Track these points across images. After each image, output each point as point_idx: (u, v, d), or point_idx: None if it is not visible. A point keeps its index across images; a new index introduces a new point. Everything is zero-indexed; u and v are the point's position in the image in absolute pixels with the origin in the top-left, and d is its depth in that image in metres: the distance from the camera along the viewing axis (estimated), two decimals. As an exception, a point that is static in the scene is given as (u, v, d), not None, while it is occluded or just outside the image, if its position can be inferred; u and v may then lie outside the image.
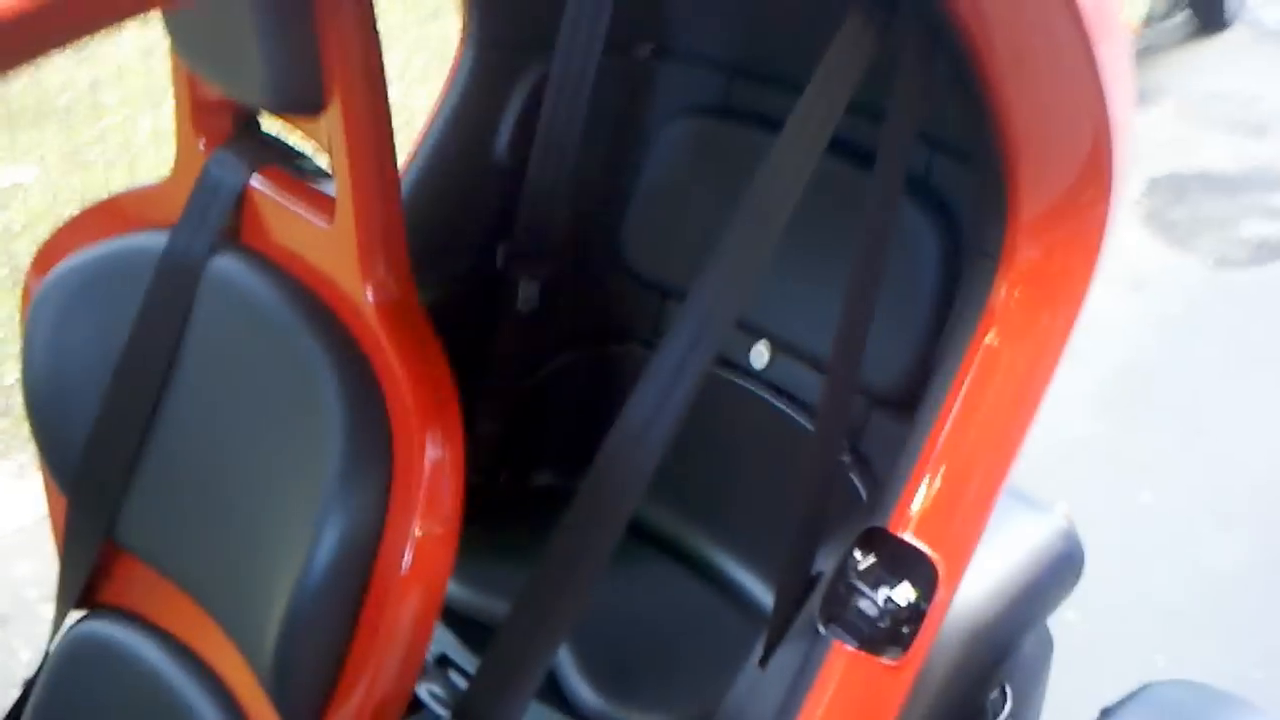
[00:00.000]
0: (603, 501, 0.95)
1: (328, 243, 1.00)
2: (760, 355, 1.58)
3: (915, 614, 1.02)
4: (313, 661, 0.92)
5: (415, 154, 1.57)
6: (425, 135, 1.57)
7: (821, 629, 1.03)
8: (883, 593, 1.02)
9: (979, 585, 1.21)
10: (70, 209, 1.24)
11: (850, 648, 1.02)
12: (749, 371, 1.59)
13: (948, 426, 1.06)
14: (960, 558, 1.06)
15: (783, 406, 1.55)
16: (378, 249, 0.97)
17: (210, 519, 1.03)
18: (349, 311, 0.98)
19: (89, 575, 1.15)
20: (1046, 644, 1.50)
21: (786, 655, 1.10)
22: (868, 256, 1.03)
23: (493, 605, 1.49)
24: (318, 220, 1.01)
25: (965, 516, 1.06)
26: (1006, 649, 1.27)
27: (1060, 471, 2.99)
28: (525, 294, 1.62)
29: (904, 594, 1.02)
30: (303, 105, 0.95)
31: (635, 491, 0.96)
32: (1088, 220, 1.04)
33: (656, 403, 0.94)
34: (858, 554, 1.04)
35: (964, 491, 1.06)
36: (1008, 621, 1.24)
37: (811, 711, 1.03)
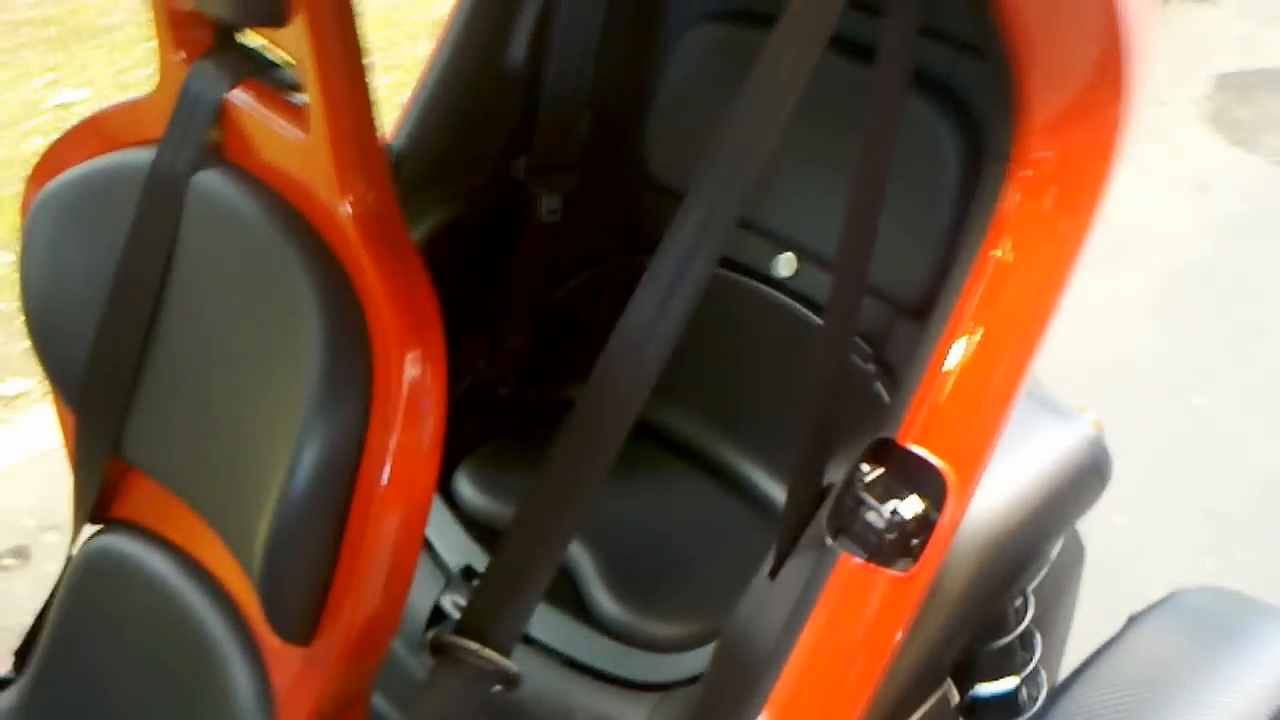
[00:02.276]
0: (601, 411, 0.94)
1: (305, 155, 0.99)
2: (788, 264, 1.55)
3: (924, 525, 1.01)
4: (299, 574, 0.93)
5: (430, 67, 1.55)
6: (439, 48, 1.55)
7: (829, 540, 1.03)
8: (890, 504, 1.01)
9: (998, 493, 1.19)
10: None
11: (858, 560, 1.01)
12: (775, 281, 1.57)
13: (957, 335, 1.03)
14: (972, 468, 1.04)
15: (809, 316, 1.53)
16: (352, 160, 0.96)
17: (205, 432, 1.04)
18: (329, 225, 0.98)
19: (99, 491, 1.17)
20: (1077, 552, 1.48)
21: (796, 567, 1.09)
22: (870, 149, 0.99)
23: (508, 516, 1.51)
24: (294, 132, 1.00)
25: (977, 426, 1.04)
26: (1028, 557, 1.26)
27: (1114, 375, 2.95)
28: (548, 205, 1.61)
29: (911, 506, 1.01)
30: (264, 15, 0.94)
31: (635, 401, 0.94)
32: (1102, 122, 1.00)
33: (655, 309, 0.91)
34: (865, 466, 1.03)
35: (975, 401, 1.04)
36: (1028, 530, 1.23)
37: (817, 623, 1.03)
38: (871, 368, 1.43)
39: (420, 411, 0.91)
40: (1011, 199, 1.02)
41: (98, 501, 1.19)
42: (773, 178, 1.49)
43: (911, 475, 1.02)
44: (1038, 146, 1.00)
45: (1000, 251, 1.03)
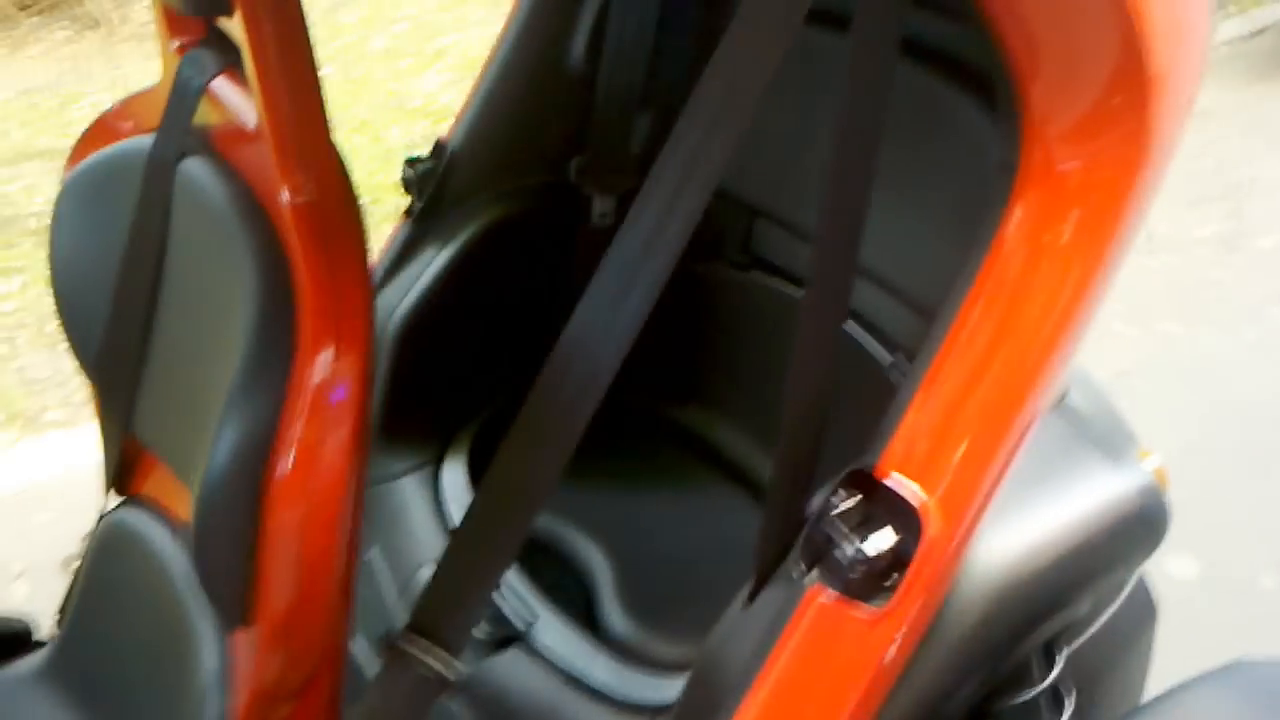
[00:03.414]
0: (552, 411, 0.90)
1: (259, 143, 0.99)
2: None
3: (899, 562, 0.92)
4: (222, 554, 0.95)
5: (488, 65, 1.54)
6: (498, 47, 1.54)
7: (796, 575, 0.95)
8: (864, 541, 0.93)
9: (1020, 534, 1.09)
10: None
11: (827, 595, 0.93)
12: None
13: (949, 359, 0.94)
14: (959, 503, 0.95)
15: (865, 337, 1.44)
16: (291, 149, 0.96)
17: (187, 412, 1.06)
18: (279, 214, 0.98)
19: (118, 464, 1.20)
20: (1144, 612, 1.34)
21: (770, 597, 1.02)
22: (850, 116, 0.90)
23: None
24: (252, 120, 1.01)
25: (966, 458, 0.95)
26: (1051, 606, 1.14)
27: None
28: (600, 209, 1.57)
29: (881, 541, 0.92)
30: (207, 5, 0.94)
31: (587, 401, 0.89)
32: (1124, 133, 0.89)
33: (611, 301, 0.86)
34: (839, 495, 0.95)
35: (963, 430, 0.94)
36: (1053, 576, 1.11)
37: (781, 658, 0.96)
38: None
39: (328, 406, 0.91)
40: (1015, 214, 0.92)
41: (118, 475, 1.23)
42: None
43: (887, 508, 0.94)
44: (1044, 159, 0.90)
45: (1001, 272, 0.93)
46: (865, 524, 0.94)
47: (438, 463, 1.59)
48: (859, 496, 0.95)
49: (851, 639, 0.95)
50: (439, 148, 1.55)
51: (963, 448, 0.94)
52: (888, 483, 0.93)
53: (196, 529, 0.94)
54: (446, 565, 0.95)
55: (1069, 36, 0.85)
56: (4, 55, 5.80)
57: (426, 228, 1.55)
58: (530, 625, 1.35)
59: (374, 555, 1.49)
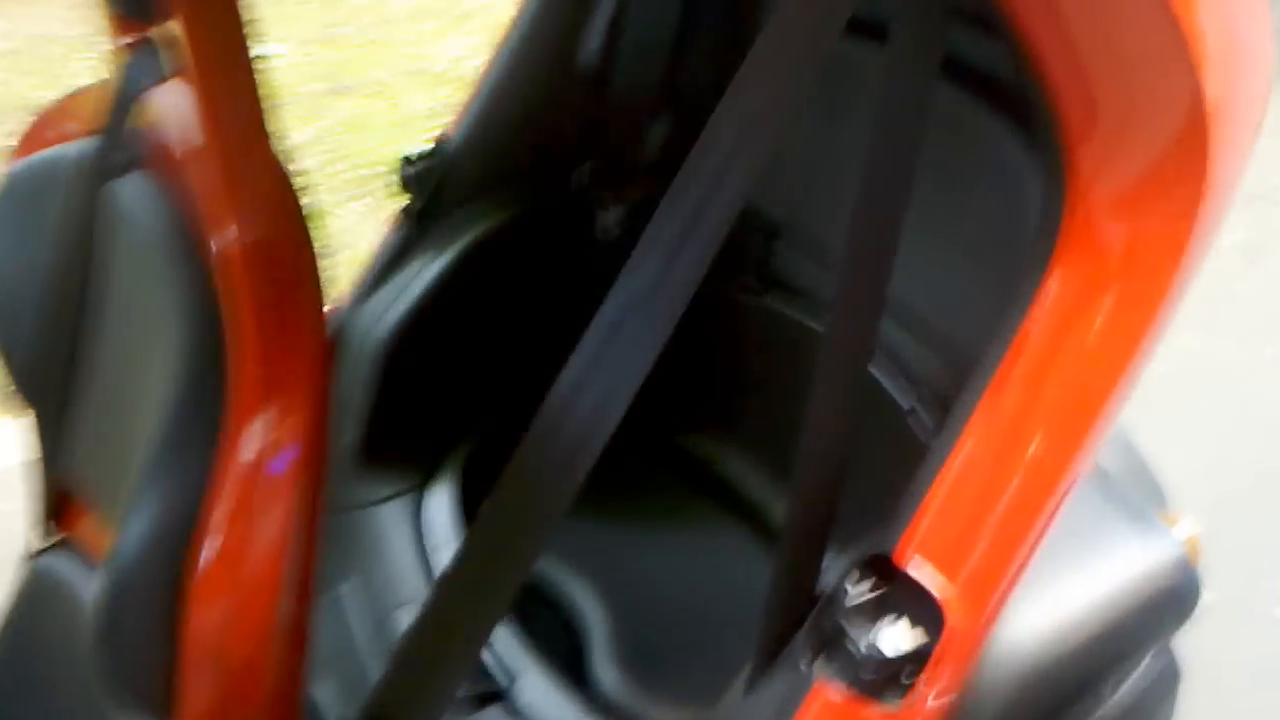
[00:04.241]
0: (537, 477, 0.80)
1: (202, 166, 0.88)
2: None
3: (918, 659, 0.84)
4: (134, 659, 0.82)
5: (494, 61, 1.43)
6: (505, 41, 1.43)
7: (803, 665, 0.87)
8: (876, 633, 0.84)
9: (1047, 614, 1.00)
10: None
11: (836, 691, 0.85)
12: None
13: (976, 435, 0.85)
14: (984, 592, 0.86)
15: (875, 372, 1.35)
16: (237, 178, 0.84)
17: (116, 462, 0.95)
18: (219, 252, 0.87)
19: (47, 500, 1.10)
20: (1167, 681, 1.26)
21: (773, 684, 0.93)
22: (883, 138, 0.81)
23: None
24: (197, 138, 0.89)
25: (994, 544, 0.86)
26: (1077, 693, 1.05)
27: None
28: (608, 220, 1.47)
29: (898, 638, 0.84)
30: (135, 7, 0.83)
31: (577, 465, 0.79)
32: (1169, 208, 0.80)
33: (621, 331, 0.77)
34: (852, 581, 0.86)
35: (991, 514, 0.86)
36: (1080, 662, 1.03)
37: None
38: (931, 424, 1.24)
39: (262, 481, 0.79)
40: (1052, 284, 0.83)
41: (49, 510, 1.12)
42: (850, 206, 1.31)
43: (904, 599, 0.85)
44: (1086, 226, 0.81)
45: (1037, 345, 0.84)
46: (880, 612, 0.86)
47: (421, 489, 1.49)
48: (875, 584, 0.86)
49: None
50: (439, 146, 1.45)
51: (990, 533, 0.86)
52: (909, 571, 0.84)
53: (102, 620, 0.82)
54: (408, 651, 0.85)
55: (1131, 103, 0.75)
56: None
57: (422, 231, 1.45)
58: (513, 681, 1.26)
59: (346, 590, 1.39)
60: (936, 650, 0.83)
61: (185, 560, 0.78)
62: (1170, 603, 1.08)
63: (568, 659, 1.29)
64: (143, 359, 0.89)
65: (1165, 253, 0.81)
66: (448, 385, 1.50)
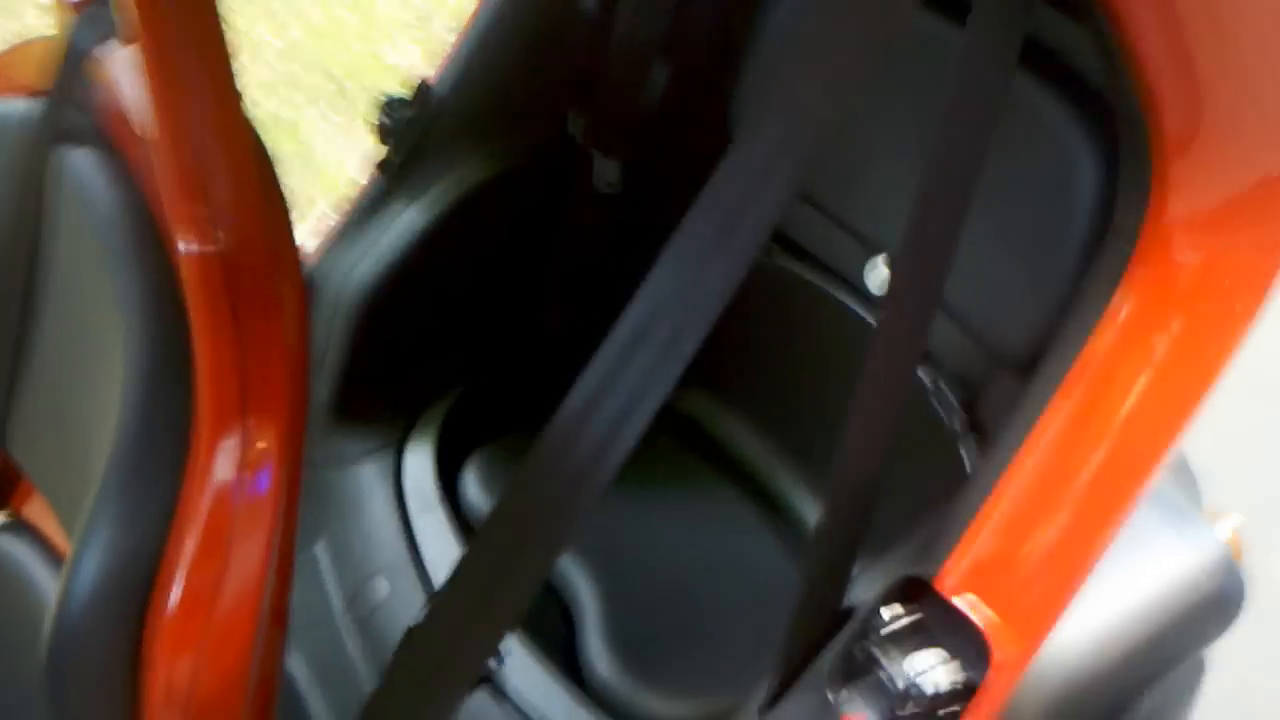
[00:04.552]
0: (546, 491, 0.73)
1: (158, 151, 0.75)
2: (879, 274, 1.28)
3: (958, 695, 0.77)
4: (85, 709, 0.73)
5: (484, 2, 1.31)
6: None
7: (830, 694, 0.80)
8: (914, 664, 0.77)
9: (1085, 626, 0.94)
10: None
11: None
12: (862, 294, 1.30)
13: (1035, 459, 0.77)
14: (1036, 631, 0.79)
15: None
16: (193, 177, 0.71)
17: (65, 450, 0.85)
18: (181, 257, 0.74)
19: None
20: (1191, 675, 1.20)
21: (792, 709, 0.86)
22: (955, 124, 0.73)
23: None
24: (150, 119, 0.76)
25: (1047, 577, 0.79)
26: (1117, 708, 0.99)
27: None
28: (605, 173, 1.37)
29: (940, 676, 0.77)
30: None
31: (595, 480, 0.72)
32: (1256, 235, 0.72)
33: (659, 311, 0.70)
34: (888, 609, 0.79)
35: (1046, 546, 0.78)
36: (1121, 676, 0.96)
37: None
38: (958, 424, 1.16)
39: (234, 510, 0.69)
40: (1128, 298, 0.74)
41: None
42: (871, 165, 1.21)
43: (946, 629, 0.78)
44: (1170, 242, 0.72)
45: (1105, 365, 0.76)
46: (917, 642, 0.78)
47: (397, 447, 1.39)
48: (912, 611, 0.79)
49: None
50: (423, 91, 1.33)
51: (1046, 567, 0.78)
52: (954, 602, 0.77)
53: (52, 669, 0.72)
54: (400, 671, 0.78)
55: (1243, 117, 0.66)
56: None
57: (403, 177, 1.33)
58: (500, 663, 1.19)
59: (320, 551, 1.31)
60: (981, 689, 0.76)
61: (147, 602, 0.69)
62: (1213, 609, 1.01)
63: (557, 640, 1.23)
64: (95, 347, 0.78)
65: (1250, 280, 0.73)
66: (425, 340, 1.40)
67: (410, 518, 1.31)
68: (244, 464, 0.69)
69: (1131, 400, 0.75)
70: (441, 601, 0.77)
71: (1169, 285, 0.74)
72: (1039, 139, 1.01)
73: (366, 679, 1.20)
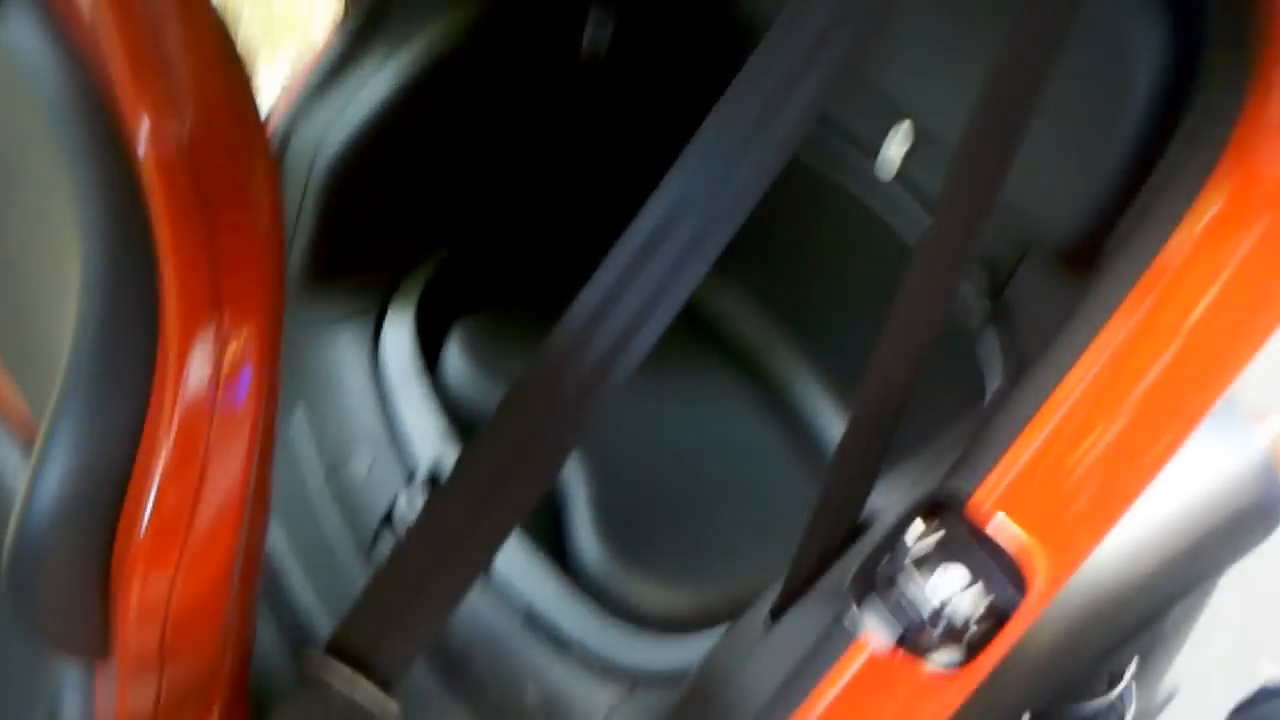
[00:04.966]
0: (544, 407, 0.69)
1: (102, 18, 0.64)
2: (899, 141, 1.17)
3: (993, 618, 0.71)
4: (53, 613, 0.66)
5: None
6: None
7: (845, 613, 0.73)
8: (939, 590, 0.71)
9: (1116, 538, 0.87)
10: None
11: (883, 645, 0.72)
12: (880, 158, 1.20)
13: (1093, 371, 0.69)
14: (1074, 558, 0.73)
15: (917, 213, 1.16)
16: (148, 57, 0.60)
17: (17, 316, 0.76)
18: (137, 149, 0.63)
19: None
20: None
21: (803, 618, 0.80)
22: (1026, 28, 0.67)
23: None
24: None
25: (1094, 505, 0.72)
26: (1146, 621, 0.94)
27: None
28: (592, 33, 1.25)
29: (968, 603, 0.70)
30: None
31: (607, 383, 0.68)
32: None
33: (687, 198, 0.66)
34: (916, 526, 0.72)
35: (1103, 472, 0.71)
36: (1151, 589, 0.90)
37: (817, 705, 0.76)
38: (982, 306, 1.07)
39: (212, 416, 0.60)
40: (1215, 200, 0.65)
41: None
42: (898, 19, 1.10)
43: (977, 552, 0.71)
44: (1267, 154, 0.63)
45: (1187, 264, 0.67)
46: (944, 565, 0.72)
47: (379, 313, 1.31)
48: (940, 533, 0.72)
49: (912, 698, 0.75)
50: None
51: (1096, 494, 0.71)
52: (988, 528, 0.70)
53: (14, 580, 0.64)
54: (387, 579, 0.73)
55: None
56: None
57: (375, 27, 1.21)
58: None
59: (297, 420, 1.23)
60: (1016, 614, 0.70)
61: (116, 518, 0.61)
62: (1253, 518, 0.95)
63: (545, 528, 1.16)
64: (47, 226, 0.69)
65: None
66: (403, 205, 1.30)
67: (390, 391, 1.23)
68: (219, 365, 0.61)
69: (1208, 307, 0.67)
70: (442, 501, 0.73)
71: (1262, 190, 0.65)
72: (1095, 15, 0.90)
73: (346, 554, 1.14)
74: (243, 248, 0.61)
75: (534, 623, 1.05)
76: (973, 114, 0.68)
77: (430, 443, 1.17)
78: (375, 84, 1.19)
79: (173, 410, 0.59)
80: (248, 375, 0.61)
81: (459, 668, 1.05)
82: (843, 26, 0.61)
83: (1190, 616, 1.06)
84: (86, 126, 0.62)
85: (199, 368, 0.59)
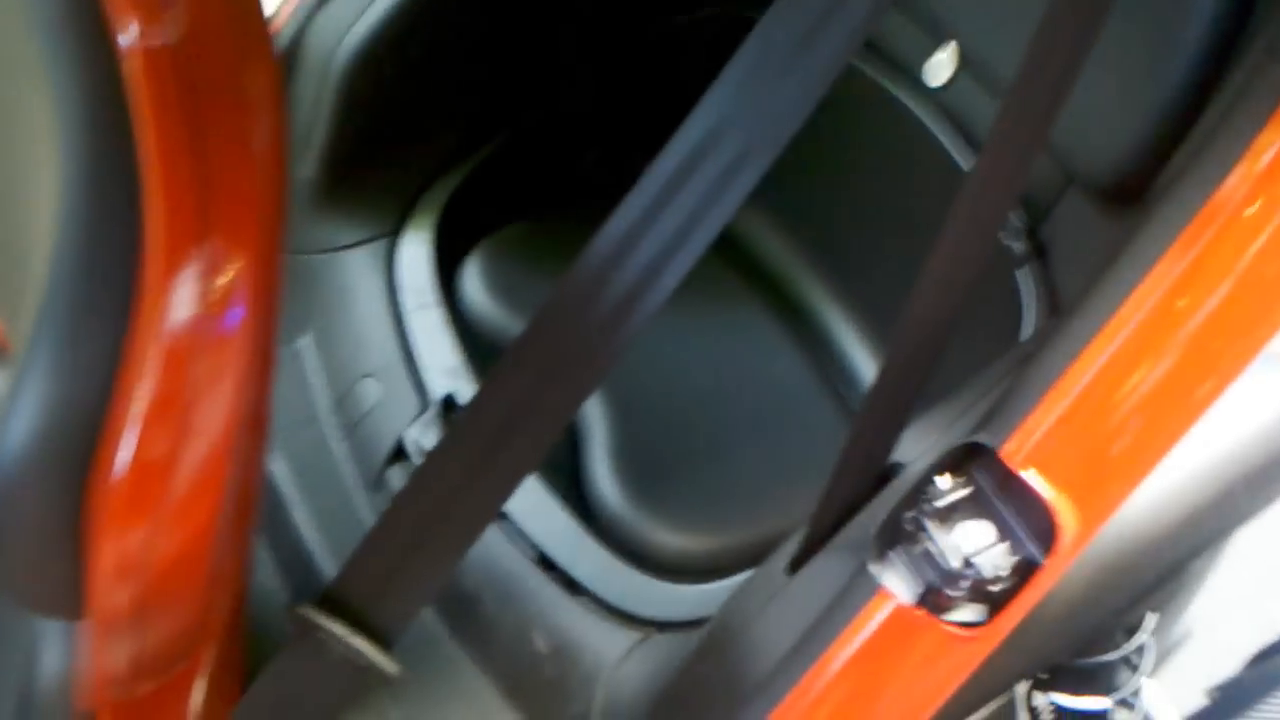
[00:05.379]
0: (561, 349, 0.65)
1: None
2: (941, 66, 1.12)
3: (1019, 574, 0.69)
4: (24, 564, 0.62)
5: None
6: None
7: (869, 562, 0.71)
8: (969, 543, 0.68)
9: (1144, 491, 0.84)
10: None
11: (908, 600, 0.70)
12: (920, 86, 1.15)
13: (1134, 319, 0.66)
14: (1109, 504, 0.70)
15: (957, 141, 1.12)
16: None
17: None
18: (124, 53, 0.57)
19: None
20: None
21: (824, 570, 0.78)
22: None
23: (521, 326, 1.17)
24: None
25: (1131, 454, 0.69)
26: (1172, 571, 0.91)
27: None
28: None
29: (998, 559, 0.68)
30: None
31: (612, 345, 0.65)
32: None
33: (728, 116, 0.62)
34: (942, 479, 0.69)
35: (1145, 420, 0.68)
36: (1181, 539, 0.87)
37: (836, 658, 0.74)
38: (1019, 246, 1.03)
39: (204, 347, 0.56)
40: (1276, 140, 0.61)
41: None
42: None
43: (1008, 504, 0.68)
44: None
45: (1245, 203, 0.63)
46: (972, 517, 0.69)
47: (395, 233, 1.26)
48: (970, 481, 0.69)
49: (933, 653, 0.72)
50: None
51: (1132, 438, 0.68)
52: (1020, 483, 0.67)
53: None
54: (384, 532, 0.70)
55: None
56: None
57: None
58: None
59: (305, 345, 1.20)
60: (1040, 570, 0.68)
61: (95, 458, 0.58)
62: None
63: (561, 466, 1.13)
64: (25, 126, 0.64)
65: None
66: (425, 113, 1.25)
67: (405, 315, 1.19)
68: (207, 295, 0.57)
69: (1263, 247, 0.63)
70: (454, 440, 0.69)
71: None
72: None
73: (354, 486, 1.11)
74: (238, 164, 0.57)
75: (549, 565, 1.03)
76: (1029, 49, 0.63)
77: (443, 369, 1.13)
78: None
79: (154, 344, 0.55)
80: (239, 306, 0.57)
81: (467, 611, 1.03)
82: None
83: (1211, 563, 1.04)
84: (70, 22, 0.57)
85: (185, 297, 0.55)
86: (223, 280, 0.57)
